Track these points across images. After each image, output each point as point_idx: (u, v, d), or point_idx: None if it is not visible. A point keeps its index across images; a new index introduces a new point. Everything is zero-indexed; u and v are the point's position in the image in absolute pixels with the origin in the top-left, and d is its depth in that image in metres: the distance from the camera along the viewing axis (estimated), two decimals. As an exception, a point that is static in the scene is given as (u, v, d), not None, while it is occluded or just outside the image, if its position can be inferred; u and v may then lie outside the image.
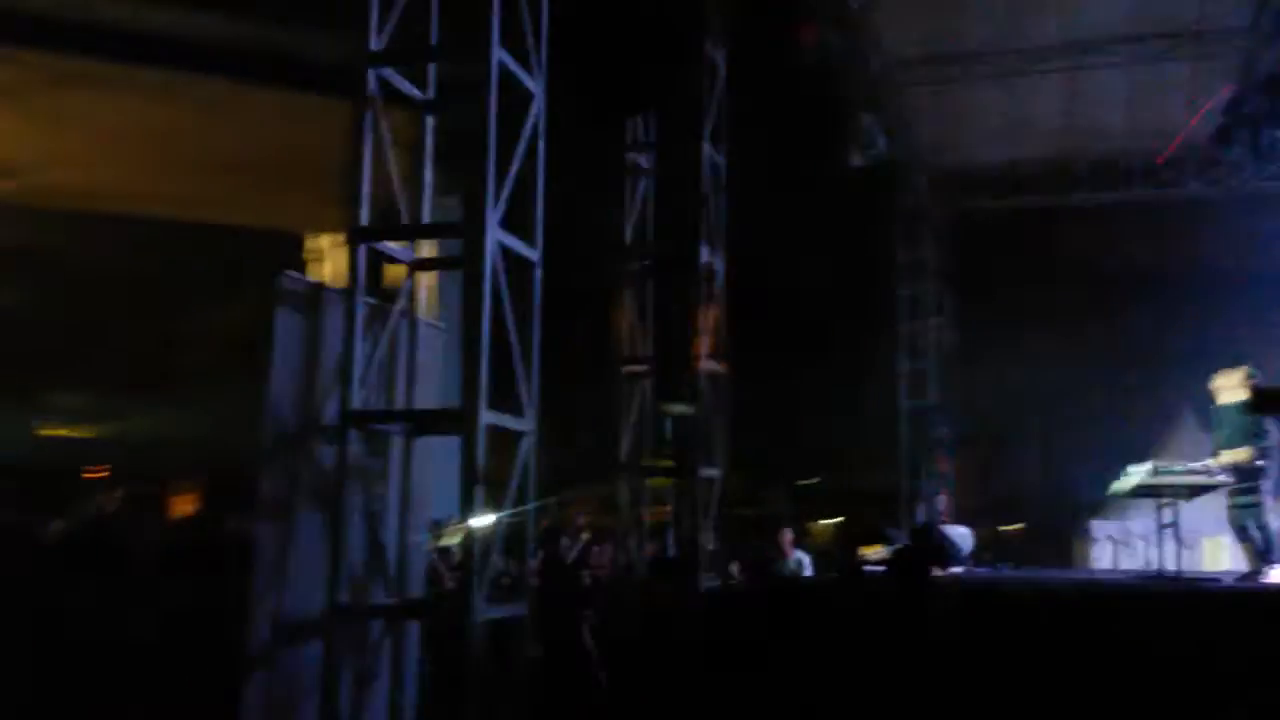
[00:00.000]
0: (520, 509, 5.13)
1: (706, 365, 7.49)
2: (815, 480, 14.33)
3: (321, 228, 12.34)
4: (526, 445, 5.12)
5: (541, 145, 5.25)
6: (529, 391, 5.17)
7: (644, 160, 7.95)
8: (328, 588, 4.80)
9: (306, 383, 4.91)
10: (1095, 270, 13.61)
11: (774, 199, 10.69)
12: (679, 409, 7.77)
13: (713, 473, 7.57)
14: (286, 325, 4.79)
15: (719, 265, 7.74)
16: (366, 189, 5.02)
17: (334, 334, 4.94)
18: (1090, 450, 11.86)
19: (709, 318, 7.49)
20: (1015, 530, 13.46)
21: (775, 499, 10.09)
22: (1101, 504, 11.55)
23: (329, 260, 12.49)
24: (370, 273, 5.25)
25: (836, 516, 12.05)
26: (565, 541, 8.00)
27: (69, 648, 5.41)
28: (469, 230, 4.91)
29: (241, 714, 4.49)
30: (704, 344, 7.44)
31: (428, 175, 5.37)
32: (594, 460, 8.77)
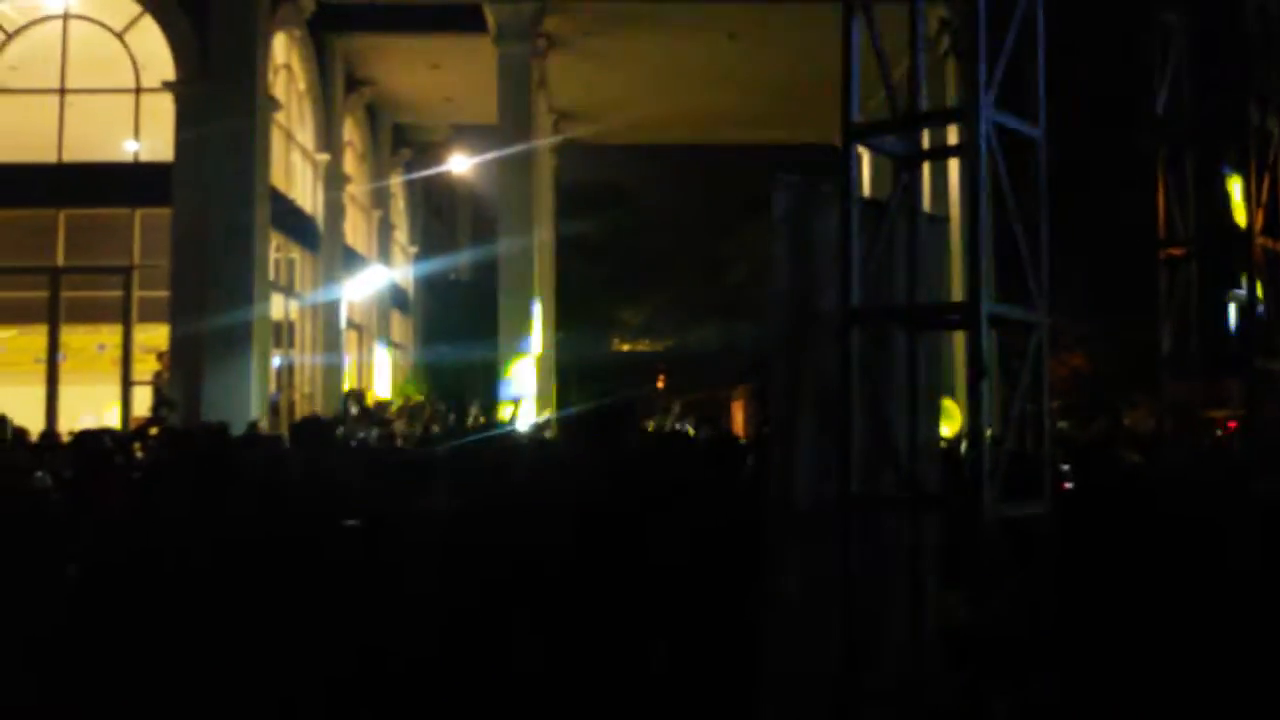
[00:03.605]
0: (1033, 406, 4.92)
1: (1264, 242, 6.55)
2: None
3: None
4: (1036, 338, 4.88)
5: (1040, 13, 4.89)
6: (1038, 281, 4.92)
7: (1175, 16, 7.04)
8: (839, 479, 4.94)
9: (808, 284, 5.06)
10: None
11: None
12: (1238, 295, 6.89)
13: (1275, 365, 6.66)
14: (785, 229, 4.96)
15: (1274, 127, 6.69)
16: (857, 85, 5.01)
17: (833, 234, 5.03)
18: None
19: (1264, 188, 6.52)
20: None
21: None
22: None
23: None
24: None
25: None
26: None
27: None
28: (963, 114, 4.74)
29: (770, 595, 4.81)
30: (1260, 219, 6.50)
31: (920, 65, 5.23)
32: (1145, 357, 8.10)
